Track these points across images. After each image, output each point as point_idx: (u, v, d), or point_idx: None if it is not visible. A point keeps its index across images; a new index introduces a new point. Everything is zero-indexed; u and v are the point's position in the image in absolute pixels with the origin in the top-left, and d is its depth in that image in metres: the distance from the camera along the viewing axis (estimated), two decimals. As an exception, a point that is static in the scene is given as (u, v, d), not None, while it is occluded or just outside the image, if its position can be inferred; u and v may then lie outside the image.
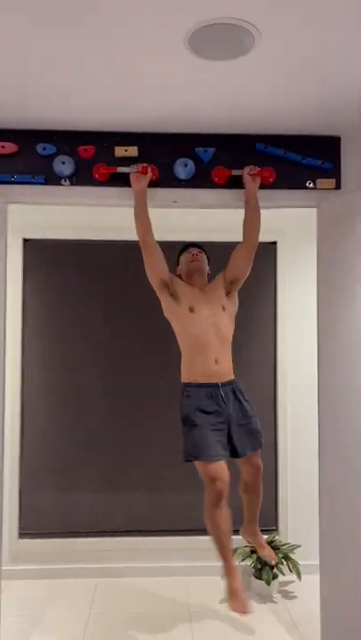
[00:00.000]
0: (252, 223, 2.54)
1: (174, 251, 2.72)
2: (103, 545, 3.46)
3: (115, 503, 3.52)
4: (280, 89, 2.13)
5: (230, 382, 2.52)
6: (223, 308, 2.54)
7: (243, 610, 2.33)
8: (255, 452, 2.57)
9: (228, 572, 2.40)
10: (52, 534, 3.50)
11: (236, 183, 2.52)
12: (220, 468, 2.37)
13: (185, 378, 2.53)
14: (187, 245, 2.73)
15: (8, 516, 3.35)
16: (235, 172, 2.50)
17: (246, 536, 2.78)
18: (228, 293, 2.58)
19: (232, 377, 2.55)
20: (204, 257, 2.70)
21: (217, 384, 2.47)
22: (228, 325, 2.55)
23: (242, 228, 2.56)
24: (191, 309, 2.49)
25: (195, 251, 2.67)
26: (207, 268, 2.69)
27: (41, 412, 3.55)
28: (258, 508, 2.71)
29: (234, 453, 2.47)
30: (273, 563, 2.85)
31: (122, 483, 3.50)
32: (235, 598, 2.34)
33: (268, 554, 2.77)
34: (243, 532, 2.75)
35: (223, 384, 2.49)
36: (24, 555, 3.43)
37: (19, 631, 2.81)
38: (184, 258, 2.68)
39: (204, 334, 2.46)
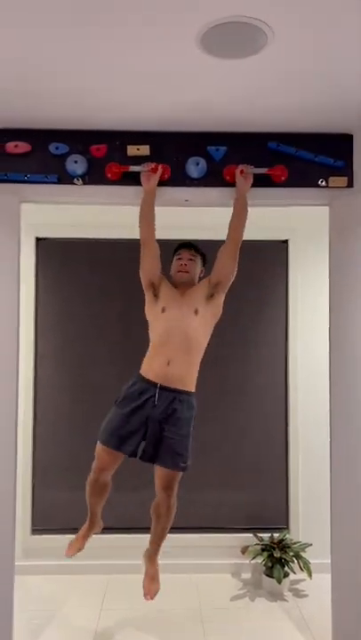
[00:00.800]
0: (238, 223, 2.47)
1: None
2: (115, 542, 3.48)
3: (126, 501, 3.54)
4: (292, 87, 2.12)
5: (175, 391, 2.38)
6: (196, 312, 2.43)
7: (68, 551, 2.62)
8: (168, 471, 2.41)
9: (89, 521, 2.67)
10: (65, 530, 3.52)
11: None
12: (109, 456, 2.42)
13: (141, 369, 2.49)
14: (181, 245, 2.63)
15: (21, 512, 3.38)
16: (247, 171, 2.49)
17: (143, 555, 2.65)
18: (211, 296, 2.47)
19: (184, 387, 2.40)
20: (197, 262, 2.59)
21: (156, 384, 2.38)
22: (196, 330, 2.43)
23: (228, 227, 2.49)
24: (163, 309, 2.46)
25: (186, 259, 2.56)
26: (200, 272, 2.61)
27: (53, 409, 3.58)
28: (159, 535, 2.57)
29: (143, 455, 2.40)
30: (147, 598, 2.48)
31: (134, 480, 3.51)
32: (75, 541, 2.65)
33: (147, 586, 2.53)
34: (144, 552, 2.66)
35: (164, 387, 2.37)
36: (37, 550, 3.46)
37: (32, 626, 2.84)
38: (175, 263, 2.59)
39: (165, 334, 2.42)
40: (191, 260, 2.57)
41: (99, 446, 2.46)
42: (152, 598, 2.49)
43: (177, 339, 2.40)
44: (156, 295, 2.51)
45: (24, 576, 3.30)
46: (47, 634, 2.79)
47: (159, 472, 2.46)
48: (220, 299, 2.51)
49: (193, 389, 2.45)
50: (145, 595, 2.50)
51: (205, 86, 2.12)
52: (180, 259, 2.59)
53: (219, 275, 2.49)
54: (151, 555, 2.61)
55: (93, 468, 2.51)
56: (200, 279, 2.60)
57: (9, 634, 2.49)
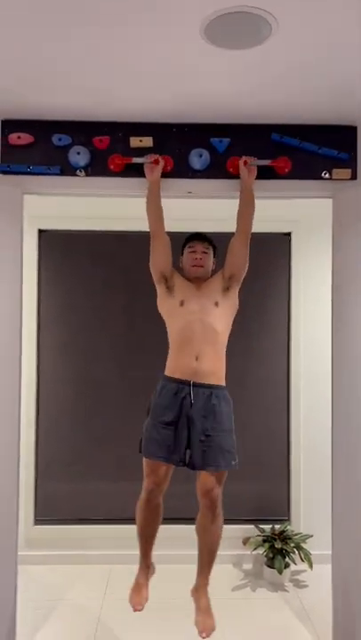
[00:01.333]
0: (246, 215, 2.45)
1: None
2: (117, 532, 3.51)
3: (129, 492, 3.55)
4: (296, 78, 2.11)
5: (210, 386, 2.31)
6: (216, 304, 2.38)
7: (137, 605, 2.36)
8: (213, 474, 2.27)
9: (140, 565, 2.47)
10: (67, 521, 3.55)
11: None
12: (159, 469, 2.29)
13: (166, 371, 2.41)
14: (193, 236, 2.55)
15: (24, 503, 3.41)
16: (250, 163, 2.48)
17: (191, 592, 2.43)
18: (227, 289, 2.44)
19: (217, 382, 2.34)
20: (210, 256, 2.53)
21: (189, 382, 2.29)
22: (219, 323, 2.37)
23: (236, 220, 2.47)
24: (181, 303, 2.39)
25: (200, 252, 2.48)
26: (212, 265, 2.54)
27: (56, 402, 3.59)
28: (207, 558, 2.36)
29: (191, 464, 2.27)
30: (202, 636, 2.22)
31: (136, 472, 3.53)
32: (136, 592, 2.40)
33: (201, 622, 2.28)
34: (192, 587, 2.44)
35: (197, 384, 2.29)
36: (39, 541, 3.50)
37: (35, 614, 2.86)
38: (188, 257, 2.51)
39: (188, 329, 2.33)
40: (205, 252, 2.50)
41: (146, 462, 2.34)
42: (208, 636, 2.22)
43: (201, 332, 2.32)
44: (168, 288, 2.45)
45: (27, 566, 3.34)
46: (50, 622, 2.82)
47: (205, 477, 2.29)
48: (236, 291, 2.48)
49: (225, 383, 2.38)
50: (200, 632, 2.23)
51: (209, 77, 2.11)
52: (193, 252, 2.50)
53: (232, 267, 2.46)
54: (199, 588, 2.38)
55: (144, 489, 2.35)
56: (213, 272, 2.54)
57: (12, 622, 2.52)
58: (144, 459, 2.34)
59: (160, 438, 2.27)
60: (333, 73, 2.07)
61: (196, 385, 2.30)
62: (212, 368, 2.34)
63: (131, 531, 3.47)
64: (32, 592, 3.08)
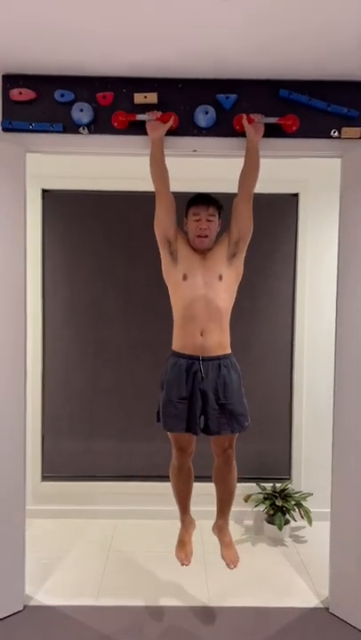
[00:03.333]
0: (250, 175, 2.39)
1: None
2: (122, 488, 3.61)
3: (134, 450, 3.64)
4: (306, 33, 2.04)
5: (217, 357, 2.36)
6: (220, 278, 2.35)
7: (184, 559, 2.49)
8: (228, 436, 2.40)
9: (181, 523, 2.60)
10: (74, 477, 3.65)
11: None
12: (182, 438, 2.43)
13: (173, 346, 2.44)
14: (197, 199, 2.42)
15: (31, 459, 3.50)
16: (257, 120, 2.42)
17: (213, 530, 2.62)
18: (233, 255, 2.40)
19: (223, 352, 2.38)
20: (216, 222, 2.42)
21: (198, 357, 2.34)
22: (222, 296, 2.36)
23: (238, 180, 2.41)
24: (185, 277, 2.36)
25: (205, 221, 2.37)
26: (218, 226, 2.45)
27: (62, 360, 3.63)
28: (227, 501, 2.55)
29: (207, 430, 2.35)
30: (231, 567, 2.47)
31: (141, 431, 3.60)
32: (181, 548, 2.53)
33: (227, 555, 2.50)
34: (213, 525, 2.62)
35: (206, 358, 2.34)
36: (47, 496, 3.60)
37: (42, 565, 2.98)
38: (192, 225, 2.40)
39: (192, 305, 2.34)
40: (210, 220, 2.39)
41: (169, 435, 2.47)
42: (235, 566, 2.46)
43: (205, 309, 2.34)
44: (172, 254, 2.40)
45: (34, 519, 3.46)
46: (57, 573, 2.93)
47: (221, 439, 2.42)
48: (242, 257, 2.43)
49: (230, 351, 2.43)
50: (228, 564, 2.47)
51: (215, 31, 2.04)
52: (198, 220, 2.38)
53: (238, 231, 2.40)
54: (222, 526, 2.57)
55: (173, 456, 2.52)
56: (218, 234, 2.46)
57: (22, 572, 2.62)
58: (172, 435, 2.47)
59: (177, 412, 2.34)
60: (344, 28, 1.99)
61: (204, 359, 2.34)
62: (218, 340, 2.37)
63: (135, 487, 3.59)
64: (40, 544, 3.20)
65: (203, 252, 2.42)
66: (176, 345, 2.42)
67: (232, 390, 2.36)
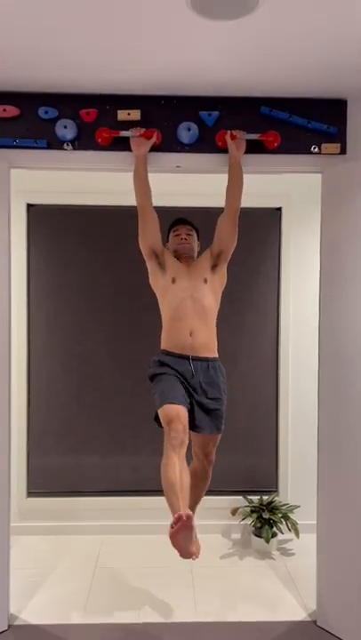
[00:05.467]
0: (234, 191, 2.47)
1: (174, 215, 2.70)
2: (109, 504, 3.58)
3: (120, 464, 3.62)
4: (285, 50, 2.08)
5: (206, 359, 2.44)
6: (205, 281, 2.47)
7: (193, 555, 2.18)
8: (213, 438, 2.48)
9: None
10: (60, 493, 3.61)
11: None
12: (179, 409, 2.25)
13: (162, 345, 2.49)
14: (176, 222, 2.64)
15: (17, 475, 3.46)
16: (239, 136, 2.46)
17: None
18: (214, 266, 2.51)
19: (211, 355, 2.46)
20: (194, 237, 2.63)
21: (188, 357, 2.40)
22: (209, 299, 2.47)
23: (225, 196, 2.49)
24: (173, 280, 2.47)
25: (184, 233, 2.60)
26: (197, 246, 2.64)
27: (47, 376, 3.61)
28: (196, 499, 2.58)
29: (193, 427, 2.37)
30: (192, 558, 2.18)
31: (128, 445, 3.59)
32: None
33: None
34: None
35: (195, 358, 2.41)
36: (32, 512, 3.56)
37: (27, 583, 2.94)
38: (173, 240, 2.61)
39: (181, 305, 2.43)
40: (189, 234, 2.60)
41: (168, 411, 2.25)
42: (197, 557, 2.16)
43: (193, 309, 2.43)
44: (160, 264, 2.51)
45: (20, 536, 3.42)
46: (43, 591, 2.89)
47: (203, 438, 2.47)
48: (224, 268, 2.55)
49: (217, 355, 2.50)
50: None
51: (197, 49, 2.07)
52: (178, 235, 2.60)
53: (220, 244, 2.52)
54: None
55: (169, 444, 2.19)
56: (198, 253, 2.63)
57: (6, 590, 2.58)
58: (166, 408, 2.26)
59: (177, 387, 2.34)
60: (322, 45, 2.04)
61: (194, 359, 2.41)
62: (206, 342, 2.45)
63: (122, 502, 3.56)
64: (25, 561, 3.15)
65: (187, 262, 2.54)
66: (165, 344, 2.48)
67: (219, 391, 2.45)
